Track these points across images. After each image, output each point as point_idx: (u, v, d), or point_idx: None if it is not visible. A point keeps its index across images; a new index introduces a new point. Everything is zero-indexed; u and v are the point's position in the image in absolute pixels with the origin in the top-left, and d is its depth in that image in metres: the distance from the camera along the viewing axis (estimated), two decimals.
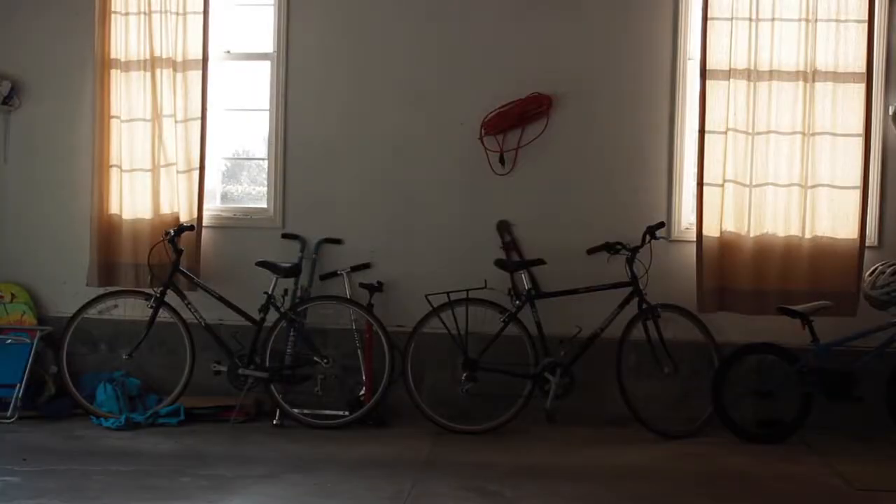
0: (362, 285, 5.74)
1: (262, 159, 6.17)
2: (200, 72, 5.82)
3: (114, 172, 5.93)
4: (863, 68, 5.39)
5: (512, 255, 5.74)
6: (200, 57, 5.82)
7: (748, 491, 4.40)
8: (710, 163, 5.50)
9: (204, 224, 5.88)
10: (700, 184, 5.51)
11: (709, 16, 5.47)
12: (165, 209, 5.90)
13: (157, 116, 5.89)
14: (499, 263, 5.57)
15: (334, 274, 5.84)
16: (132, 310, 5.84)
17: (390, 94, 5.87)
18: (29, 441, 5.09)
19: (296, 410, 5.52)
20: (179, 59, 5.84)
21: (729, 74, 5.49)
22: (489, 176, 5.76)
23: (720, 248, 5.52)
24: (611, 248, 5.44)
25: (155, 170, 5.90)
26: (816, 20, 5.42)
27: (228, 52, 6.10)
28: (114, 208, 5.94)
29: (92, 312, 5.82)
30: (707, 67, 5.48)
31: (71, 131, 6.07)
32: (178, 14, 5.83)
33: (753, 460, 4.88)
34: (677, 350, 5.37)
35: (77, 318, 5.75)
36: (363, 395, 5.62)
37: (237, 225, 6.04)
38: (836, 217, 5.45)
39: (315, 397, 5.57)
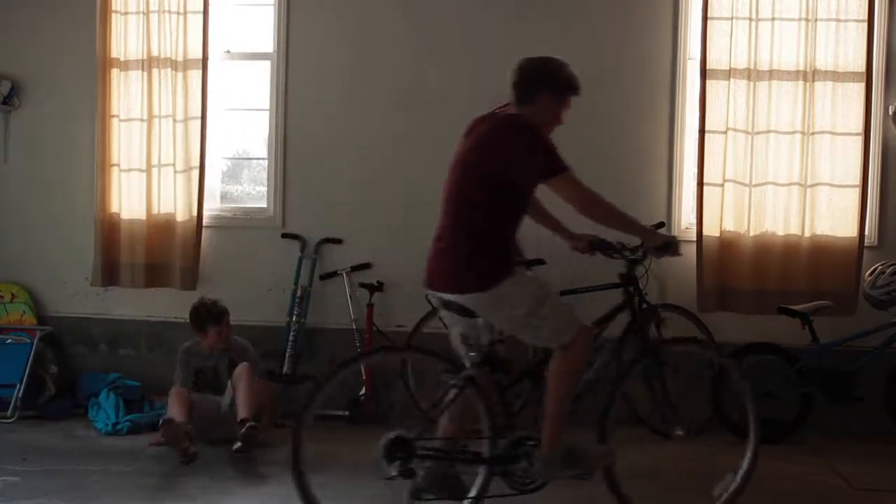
0: (362, 285, 5.74)
1: (262, 159, 6.16)
2: (200, 71, 5.82)
3: (115, 172, 5.93)
4: (862, 68, 5.39)
5: None
6: (200, 56, 5.82)
7: (748, 491, 4.39)
8: (710, 162, 5.50)
9: (204, 224, 5.88)
10: (700, 183, 5.52)
11: (709, 15, 5.47)
12: (166, 209, 5.90)
13: (157, 116, 5.89)
14: None
15: (334, 274, 5.85)
16: None
17: (391, 93, 5.87)
18: (29, 441, 5.09)
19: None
20: (180, 58, 5.84)
21: (729, 74, 5.49)
22: None
23: (720, 247, 5.52)
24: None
25: (155, 169, 5.90)
26: (816, 20, 5.42)
27: (228, 51, 6.10)
28: (116, 208, 5.94)
29: None
30: (707, 67, 5.48)
31: (71, 131, 6.07)
32: (178, 13, 5.83)
33: None
34: (677, 350, 5.35)
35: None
36: (363, 394, 5.63)
37: (237, 225, 6.05)
38: (835, 216, 5.45)
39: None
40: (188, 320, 5.25)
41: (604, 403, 3.77)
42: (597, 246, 3.94)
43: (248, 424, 4.69)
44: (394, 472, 3.39)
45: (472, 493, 3.54)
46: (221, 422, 5.01)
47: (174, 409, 4.85)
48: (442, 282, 3.61)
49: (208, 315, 5.20)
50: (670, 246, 3.70)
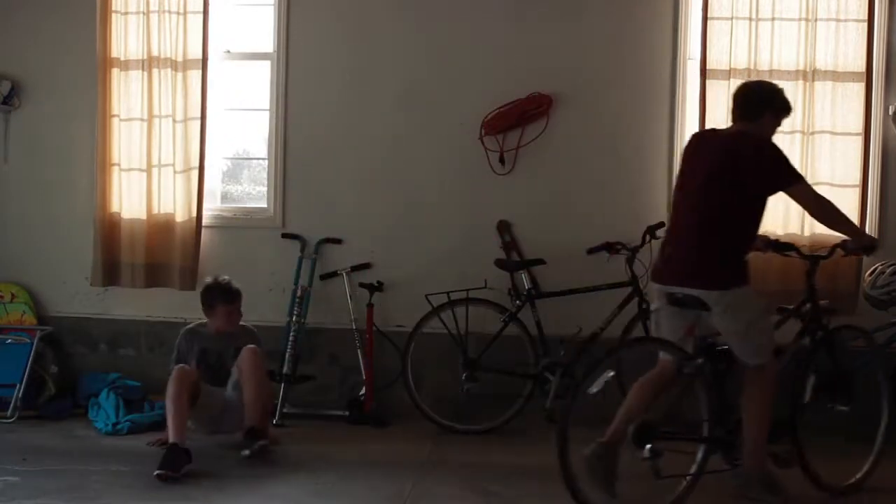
0: (362, 285, 5.75)
1: (263, 159, 6.17)
2: (200, 71, 5.82)
3: (115, 172, 5.93)
4: (862, 68, 5.39)
5: (512, 254, 5.74)
6: (200, 56, 5.82)
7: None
8: None
9: (204, 224, 5.88)
10: None
11: (709, 16, 5.47)
12: (166, 209, 5.90)
13: (157, 116, 5.89)
14: (499, 263, 5.57)
15: (334, 274, 5.85)
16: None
17: (390, 93, 5.87)
18: (29, 441, 5.09)
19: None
20: (179, 58, 5.84)
21: (729, 74, 5.48)
22: (489, 176, 5.76)
23: None
24: (611, 247, 5.44)
25: (155, 169, 5.90)
26: (816, 20, 5.42)
27: (228, 51, 6.10)
28: (116, 207, 5.94)
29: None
30: (707, 67, 5.48)
31: (71, 131, 6.07)
32: (178, 13, 5.83)
33: None
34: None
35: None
36: (363, 394, 5.63)
37: (237, 225, 6.04)
38: None
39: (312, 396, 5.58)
40: (199, 298, 5.16)
41: (790, 413, 4.26)
42: (771, 245, 4.38)
43: (259, 443, 4.67)
44: (646, 455, 3.77)
45: (693, 470, 4.00)
46: (226, 414, 4.96)
47: (175, 428, 4.63)
48: (686, 277, 4.01)
49: (221, 293, 5.09)
50: (874, 245, 4.26)
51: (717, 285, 3.95)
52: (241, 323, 5.21)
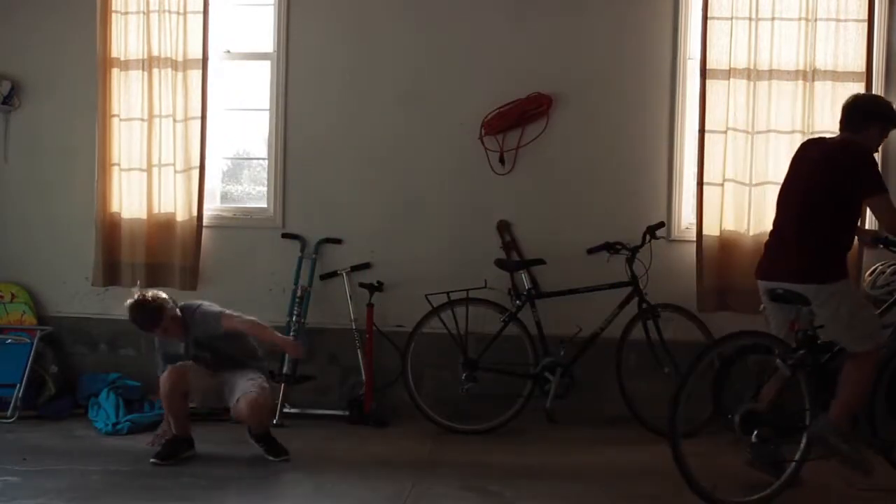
0: (362, 285, 5.74)
1: (263, 159, 6.17)
2: (200, 71, 5.82)
3: (116, 172, 5.93)
4: (862, 68, 5.40)
5: (512, 254, 5.74)
6: (200, 56, 5.82)
7: (748, 490, 4.40)
8: (710, 162, 5.50)
9: (204, 224, 5.88)
10: (700, 183, 5.52)
11: (709, 15, 5.48)
12: (167, 208, 5.90)
13: (157, 115, 5.89)
14: (499, 263, 5.57)
15: (334, 274, 5.85)
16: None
17: (390, 93, 5.87)
18: (29, 441, 5.09)
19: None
20: (180, 58, 5.84)
21: (729, 74, 5.49)
22: (489, 176, 5.76)
23: (720, 247, 5.52)
24: (611, 247, 5.45)
25: (156, 169, 5.90)
26: (816, 19, 5.43)
27: (228, 51, 6.10)
28: (116, 207, 5.94)
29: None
30: (707, 67, 5.49)
31: (71, 131, 6.07)
32: (178, 13, 5.83)
33: None
34: (677, 350, 5.36)
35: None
36: (363, 394, 5.63)
37: (237, 225, 6.04)
38: None
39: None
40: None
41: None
42: (880, 240, 4.64)
43: (284, 457, 4.79)
44: (754, 440, 4.12)
45: (797, 457, 4.22)
46: (222, 393, 4.94)
47: (176, 424, 4.79)
48: (786, 273, 4.23)
49: (147, 321, 4.79)
50: None
51: (816, 280, 4.14)
52: (189, 309, 4.91)
